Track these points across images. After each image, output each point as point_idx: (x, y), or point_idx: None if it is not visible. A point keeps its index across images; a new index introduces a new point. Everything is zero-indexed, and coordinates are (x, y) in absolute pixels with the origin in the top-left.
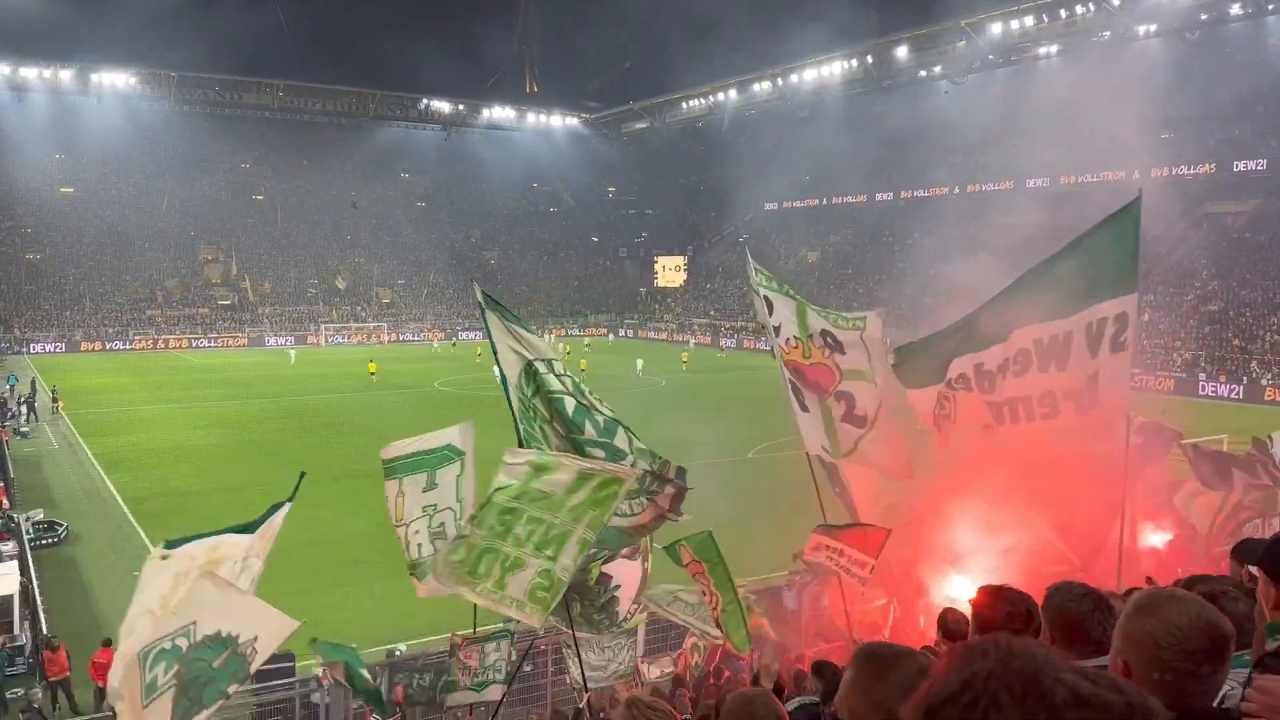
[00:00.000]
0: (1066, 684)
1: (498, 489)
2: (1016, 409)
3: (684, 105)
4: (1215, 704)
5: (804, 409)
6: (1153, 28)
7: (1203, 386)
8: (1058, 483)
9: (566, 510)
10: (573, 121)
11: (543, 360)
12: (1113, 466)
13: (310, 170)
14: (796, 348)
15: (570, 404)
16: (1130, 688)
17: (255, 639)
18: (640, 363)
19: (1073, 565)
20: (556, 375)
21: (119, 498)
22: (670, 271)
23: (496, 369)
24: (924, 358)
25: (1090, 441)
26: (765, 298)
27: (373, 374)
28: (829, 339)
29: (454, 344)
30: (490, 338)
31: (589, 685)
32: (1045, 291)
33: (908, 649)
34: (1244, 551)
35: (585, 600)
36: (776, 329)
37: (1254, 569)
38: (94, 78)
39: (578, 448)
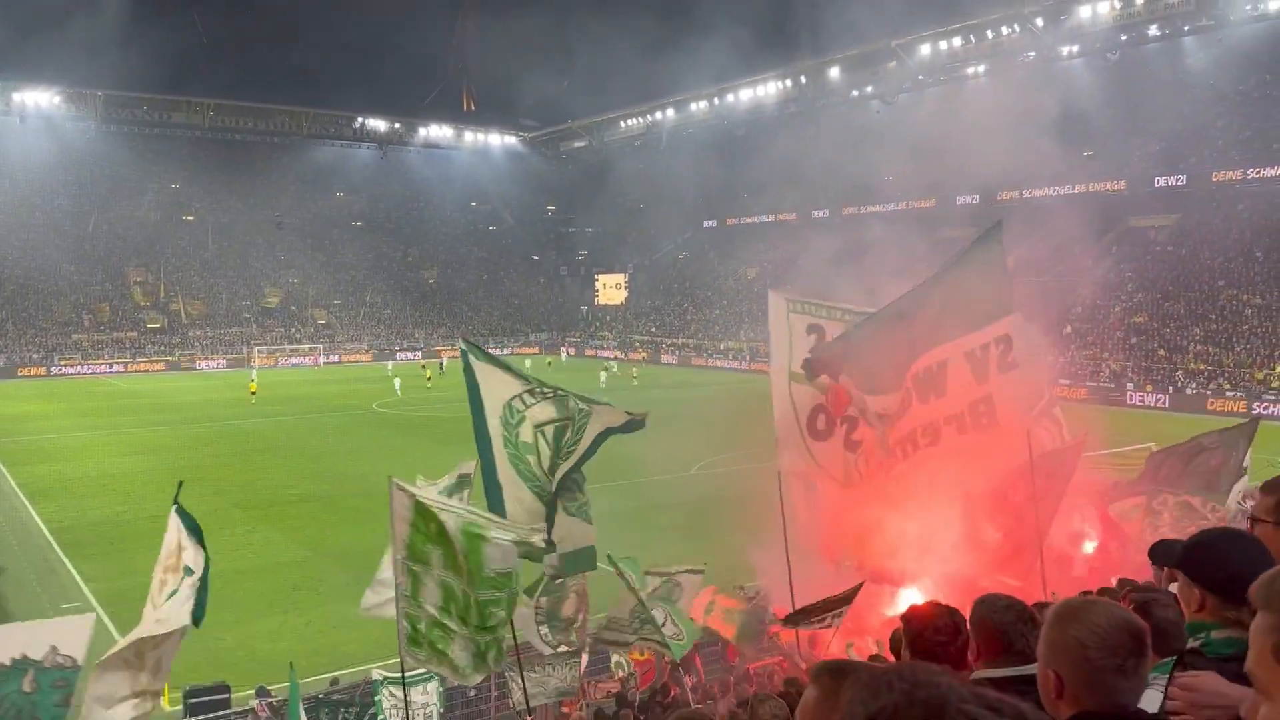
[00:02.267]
0: (970, 715)
1: (410, 547)
2: (905, 445)
3: (622, 124)
4: (1156, 710)
5: (826, 434)
6: (1075, 48)
7: (1130, 396)
8: (967, 501)
9: (467, 579)
10: (511, 140)
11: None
12: (1018, 480)
13: (242, 190)
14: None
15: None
16: (1032, 712)
17: (55, 649)
18: (604, 375)
19: (1008, 578)
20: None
21: (44, 528)
22: (611, 289)
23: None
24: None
25: (992, 459)
26: (815, 325)
27: (253, 393)
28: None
29: (425, 367)
30: (473, 379)
31: (531, 702)
32: (919, 323)
33: (868, 664)
34: (1160, 553)
35: (553, 621)
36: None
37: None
38: (16, 96)
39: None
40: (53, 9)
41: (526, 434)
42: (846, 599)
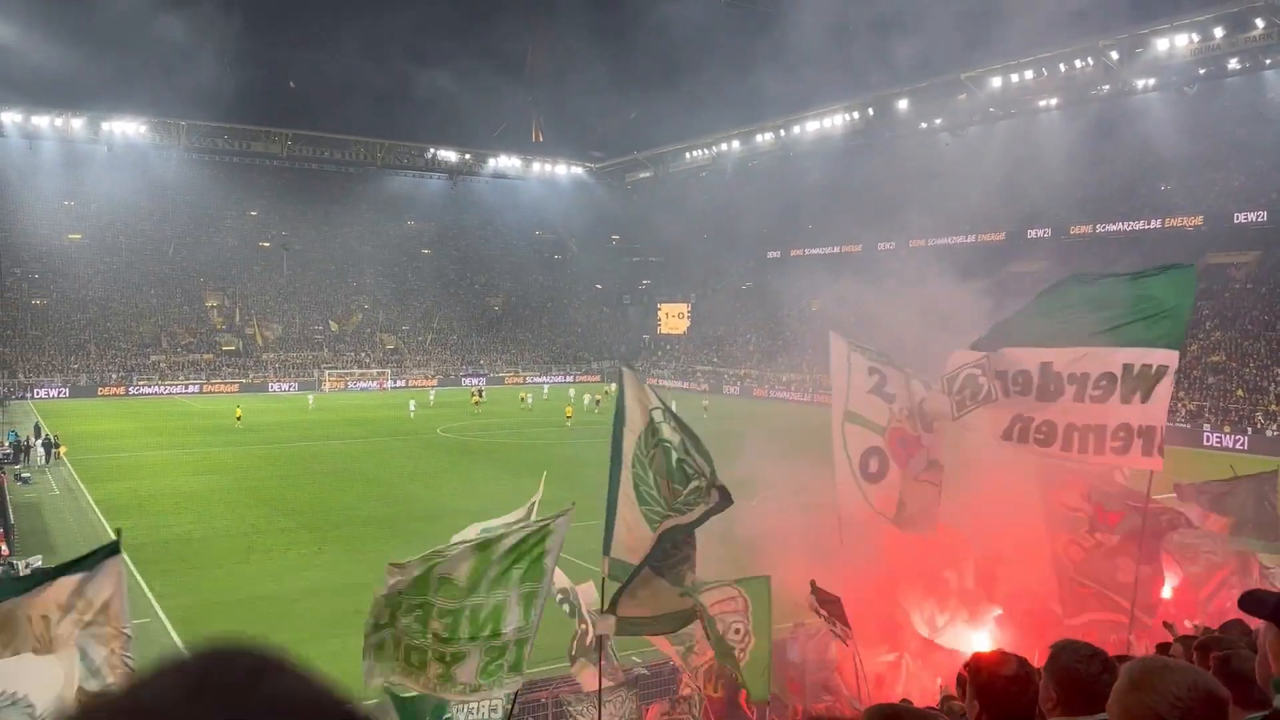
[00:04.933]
0: None
1: (396, 591)
2: (1045, 430)
3: (687, 155)
4: None
5: (879, 475)
6: (1151, 82)
7: (1207, 437)
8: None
9: (485, 584)
10: (577, 170)
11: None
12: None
13: (317, 218)
14: (904, 415)
15: (674, 455)
16: None
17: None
18: (672, 405)
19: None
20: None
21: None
22: (674, 319)
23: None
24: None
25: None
26: (875, 369)
27: (239, 419)
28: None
29: (480, 393)
30: (622, 397)
31: None
32: (1073, 315)
33: (926, 710)
34: (1251, 604)
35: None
36: (890, 397)
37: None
38: (104, 126)
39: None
40: (141, 42)
41: (659, 456)
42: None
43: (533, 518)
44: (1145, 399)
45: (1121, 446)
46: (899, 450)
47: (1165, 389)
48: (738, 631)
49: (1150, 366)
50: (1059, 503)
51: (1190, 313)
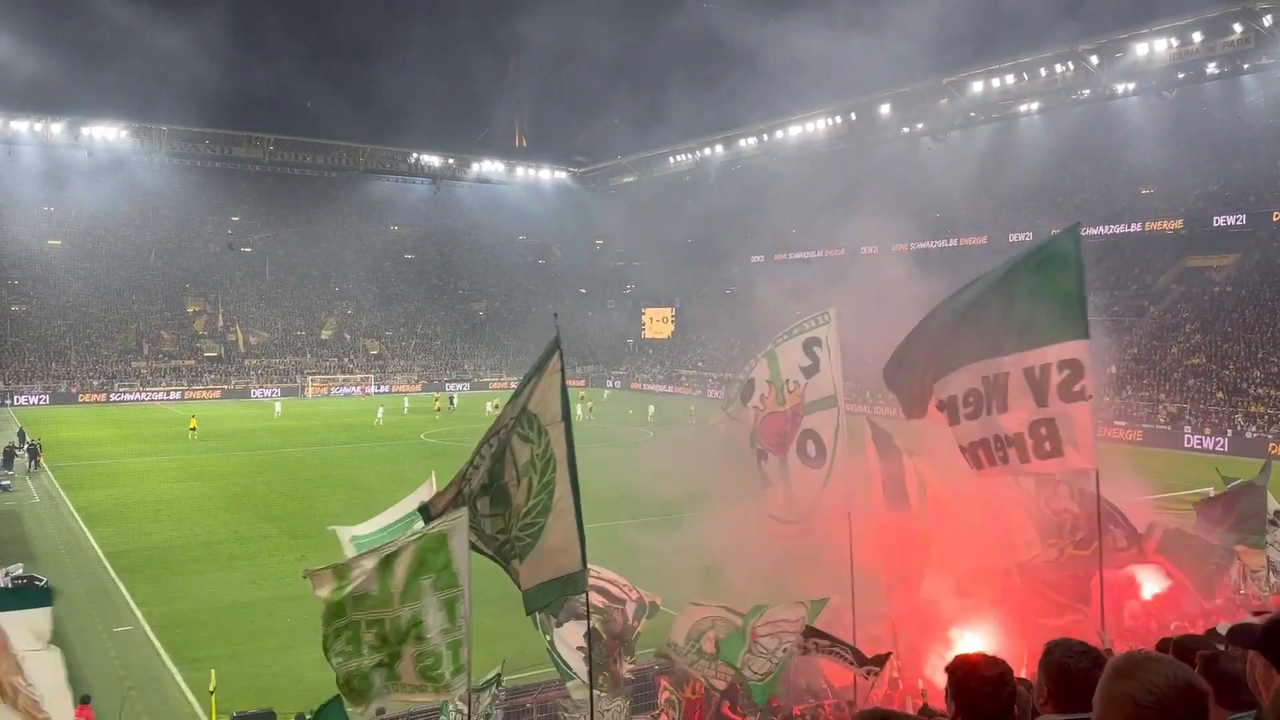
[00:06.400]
0: None
1: (330, 613)
2: (977, 453)
3: (671, 160)
4: None
5: (768, 482)
6: (1131, 86)
7: (1187, 439)
8: (1026, 530)
9: (399, 597)
10: (561, 175)
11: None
12: (1090, 520)
13: (300, 223)
14: (771, 396)
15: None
16: None
17: None
18: (652, 409)
19: (1066, 614)
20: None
21: (100, 552)
22: (658, 323)
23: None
24: (907, 386)
25: (1053, 494)
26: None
27: (193, 429)
28: (804, 362)
29: (436, 399)
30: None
31: None
32: (983, 323)
33: (913, 717)
34: (1240, 635)
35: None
36: (747, 394)
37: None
38: (85, 130)
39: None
40: (121, 47)
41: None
42: (875, 662)
43: (418, 525)
44: (1065, 399)
45: (1052, 450)
46: (772, 438)
47: (1086, 384)
48: (785, 651)
49: (1050, 365)
50: (1047, 507)
51: (1081, 286)
